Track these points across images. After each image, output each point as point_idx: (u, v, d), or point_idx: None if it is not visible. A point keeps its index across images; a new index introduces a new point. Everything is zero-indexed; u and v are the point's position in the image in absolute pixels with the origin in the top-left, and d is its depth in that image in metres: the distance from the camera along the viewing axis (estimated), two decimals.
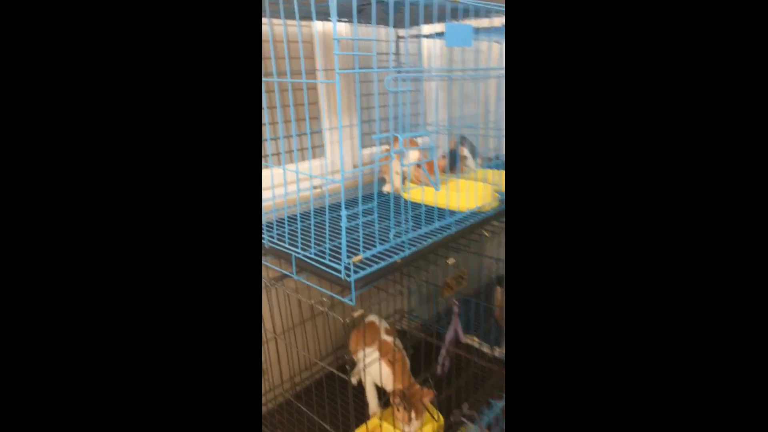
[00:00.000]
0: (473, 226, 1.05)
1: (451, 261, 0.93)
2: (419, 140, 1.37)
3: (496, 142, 1.53)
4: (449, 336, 1.11)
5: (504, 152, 1.61)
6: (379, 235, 0.88)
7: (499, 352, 1.39)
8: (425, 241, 0.93)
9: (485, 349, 1.40)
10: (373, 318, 1.26)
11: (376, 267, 0.83)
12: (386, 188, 1.28)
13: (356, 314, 0.88)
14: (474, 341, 1.40)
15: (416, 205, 1.15)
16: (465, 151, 1.46)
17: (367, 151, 1.46)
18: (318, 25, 1.25)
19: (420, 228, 0.95)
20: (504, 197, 1.17)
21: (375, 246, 0.87)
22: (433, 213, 1.04)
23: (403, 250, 0.89)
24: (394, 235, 0.89)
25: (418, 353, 1.10)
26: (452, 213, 1.03)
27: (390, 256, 0.87)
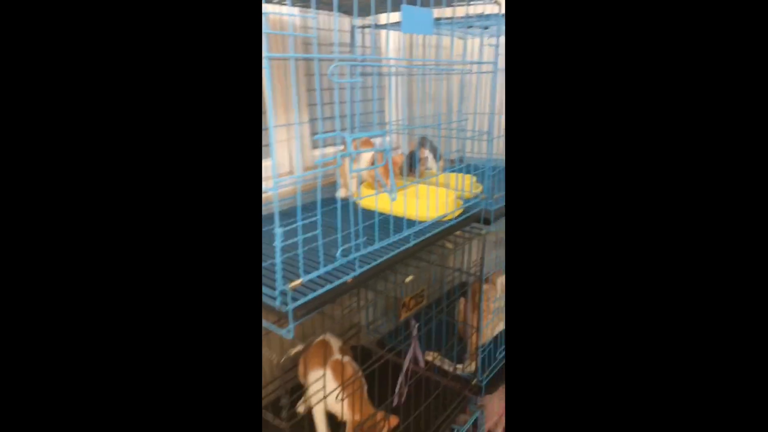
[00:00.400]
0: (434, 237, 0.93)
1: (408, 279, 0.82)
2: (376, 141, 1.25)
3: (459, 144, 1.43)
4: (408, 360, 1.00)
5: (467, 154, 1.52)
6: (325, 252, 0.75)
7: (462, 369, 1.29)
8: (380, 257, 0.81)
9: (447, 366, 1.29)
10: (325, 336, 1.13)
11: (320, 291, 0.70)
12: (341, 193, 1.15)
13: (293, 351, 0.75)
14: (435, 358, 1.29)
15: (371, 214, 1.02)
16: (426, 153, 1.35)
17: (318, 153, 1.33)
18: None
19: (373, 243, 0.83)
20: (468, 204, 1.07)
21: (319, 266, 0.74)
22: (389, 223, 0.92)
23: (353, 269, 0.76)
24: (343, 253, 0.76)
25: (375, 373, 0.97)
26: (411, 223, 0.92)
27: (338, 277, 0.74)
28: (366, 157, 1.05)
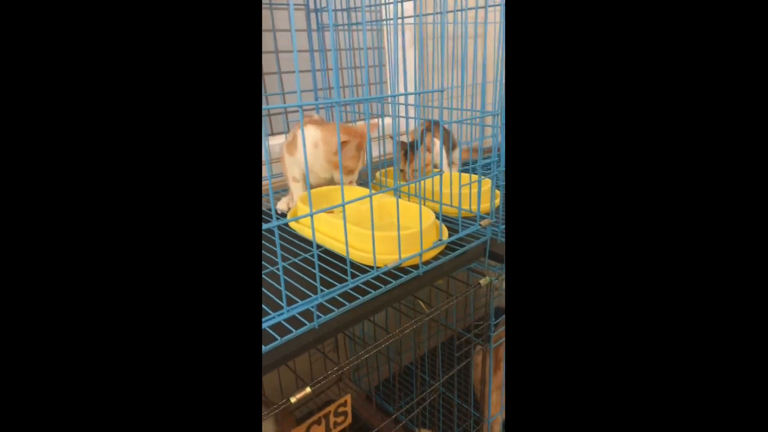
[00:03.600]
0: (395, 291, 0.56)
1: (297, 398, 0.46)
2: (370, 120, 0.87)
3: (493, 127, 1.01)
4: None
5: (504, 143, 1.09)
6: None
7: None
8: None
9: None
10: None
11: None
12: (280, 205, 0.81)
13: None
14: None
15: (307, 244, 0.67)
16: (431, 140, 0.94)
17: (275, 141, 0.97)
18: None
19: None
20: (468, 231, 0.67)
21: None
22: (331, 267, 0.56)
23: None
24: None
25: None
26: (357, 267, 0.55)
27: None
28: (308, 139, 0.69)
